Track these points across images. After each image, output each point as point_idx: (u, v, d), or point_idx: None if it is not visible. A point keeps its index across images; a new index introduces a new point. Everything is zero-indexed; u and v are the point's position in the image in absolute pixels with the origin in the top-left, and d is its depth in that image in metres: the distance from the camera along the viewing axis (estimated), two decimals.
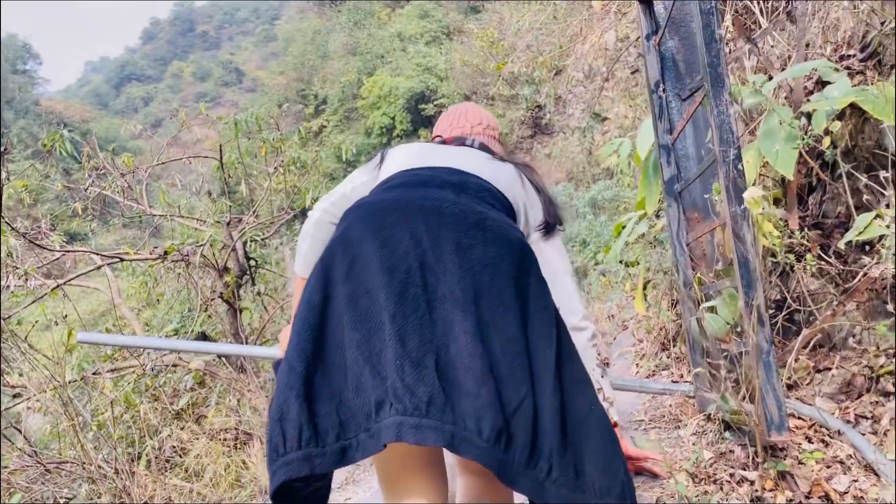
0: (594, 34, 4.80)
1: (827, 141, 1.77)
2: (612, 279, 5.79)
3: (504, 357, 1.00)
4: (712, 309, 1.74)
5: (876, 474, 1.45)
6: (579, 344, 1.39)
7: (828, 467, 1.54)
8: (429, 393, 0.94)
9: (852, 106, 1.80)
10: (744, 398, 1.57)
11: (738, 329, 1.63)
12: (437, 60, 20.90)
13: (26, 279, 4.01)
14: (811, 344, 1.92)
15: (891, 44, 1.87)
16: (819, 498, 1.45)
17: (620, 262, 3.35)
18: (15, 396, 3.66)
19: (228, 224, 4.82)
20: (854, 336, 1.87)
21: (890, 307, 1.70)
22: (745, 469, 1.60)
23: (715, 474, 1.63)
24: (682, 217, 2.08)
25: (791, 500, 1.46)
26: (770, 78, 2.00)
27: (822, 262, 1.87)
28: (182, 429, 3.61)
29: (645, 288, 2.97)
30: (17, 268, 3.96)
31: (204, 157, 5.23)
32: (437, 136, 1.67)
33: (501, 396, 0.97)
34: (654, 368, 2.80)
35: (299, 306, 1.12)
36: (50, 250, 4.26)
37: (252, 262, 5.10)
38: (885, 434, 1.57)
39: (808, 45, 2.10)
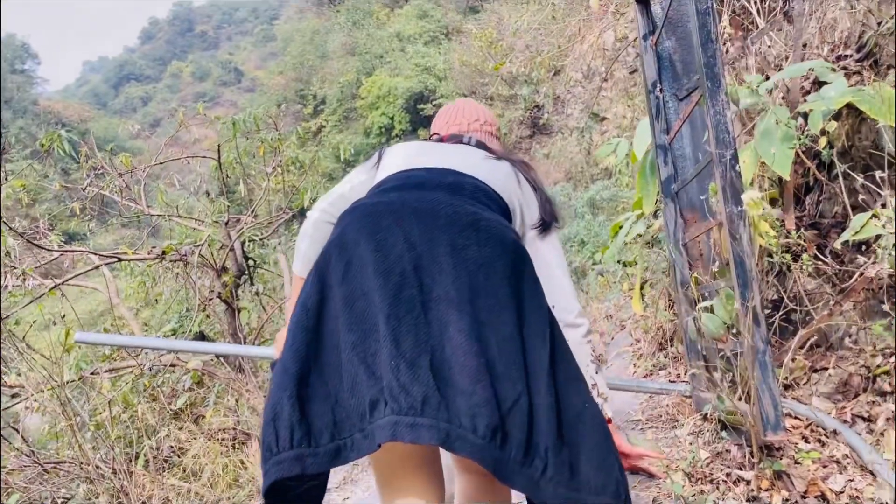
0: (592, 34, 4.80)
1: (823, 141, 1.78)
2: (610, 279, 5.80)
3: (500, 356, 1.00)
4: (709, 309, 1.74)
5: (872, 474, 1.45)
6: (574, 340, 1.40)
7: (824, 467, 1.54)
8: (423, 392, 0.95)
9: (849, 106, 1.79)
10: (740, 398, 1.57)
11: (735, 329, 1.63)
12: (436, 60, 20.89)
13: (24, 279, 4.00)
14: (808, 344, 1.93)
15: (887, 44, 1.87)
16: (815, 498, 1.45)
17: (618, 262, 3.35)
18: (13, 396, 3.66)
19: (227, 224, 4.83)
20: (850, 336, 1.87)
21: (886, 307, 1.70)
22: (741, 469, 1.60)
23: (711, 474, 1.63)
24: (678, 217, 2.08)
25: (787, 500, 1.46)
26: (767, 78, 2.00)
27: (819, 262, 1.87)
28: (180, 429, 3.61)
29: (642, 288, 2.97)
30: (15, 267, 3.96)
31: (202, 156, 5.23)
32: (435, 133, 1.67)
33: (497, 394, 0.97)
34: (651, 368, 2.80)
35: (295, 308, 1.12)
36: (48, 250, 4.26)
37: (250, 262, 5.10)
38: (881, 434, 1.57)
39: (804, 46, 2.10)
